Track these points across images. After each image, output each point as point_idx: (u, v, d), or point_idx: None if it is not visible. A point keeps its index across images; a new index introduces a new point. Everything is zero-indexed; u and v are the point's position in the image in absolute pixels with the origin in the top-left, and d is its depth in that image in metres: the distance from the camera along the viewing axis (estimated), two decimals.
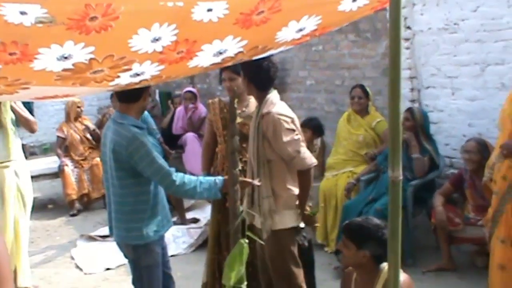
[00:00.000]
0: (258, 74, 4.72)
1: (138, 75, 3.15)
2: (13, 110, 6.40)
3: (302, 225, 4.89)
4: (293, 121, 4.77)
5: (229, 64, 3.76)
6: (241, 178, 4.34)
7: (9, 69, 2.61)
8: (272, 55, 4.53)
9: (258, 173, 4.70)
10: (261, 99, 4.81)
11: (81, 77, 2.91)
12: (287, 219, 4.78)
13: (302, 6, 2.94)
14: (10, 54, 2.45)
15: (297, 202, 4.82)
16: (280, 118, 4.68)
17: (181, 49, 2.90)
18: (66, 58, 2.60)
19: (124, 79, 3.20)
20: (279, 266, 4.84)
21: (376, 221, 4.08)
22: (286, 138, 4.66)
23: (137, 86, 3.67)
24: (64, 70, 2.74)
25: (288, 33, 3.17)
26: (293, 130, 4.73)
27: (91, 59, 2.66)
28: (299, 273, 4.89)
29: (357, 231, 3.98)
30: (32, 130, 6.83)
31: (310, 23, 3.13)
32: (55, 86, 3.08)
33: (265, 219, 4.69)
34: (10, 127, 6.33)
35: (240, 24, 2.80)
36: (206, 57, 3.15)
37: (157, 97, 11.62)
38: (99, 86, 3.21)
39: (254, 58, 3.81)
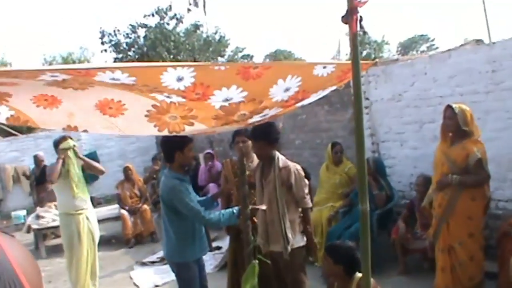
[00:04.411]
0: (271, 134, 4.80)
1: (168, 97, 3.12)
2: (81, 159, 6.75)
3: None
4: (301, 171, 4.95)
5: (236, 122, 3.71)
6: (252, 206, 4.48)
7: (78, 77, 2.66)
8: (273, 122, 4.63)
9: (279, 211, 4.74)
10: (270, 156, 4.87)
11: (128, 87, 2.89)
12: (300, 239, 4.86)
13: (287, 67, 3.06)
14: (78, 72, 2.56)
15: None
16: (298, 170, 4.86)
17: (198, 91, 2.92)
18: (115, 80, 2.63)
19: (159, 97, 3.15)
20: (295, 276, 4.87)
21: (349, 244, 4.16)
22: (303, 186, 4.84)
23: (170, 127, 3.63)
24: (115, 84, 2.75)
25: (278, 90, 3.16)
26: (305, 178, 4.92)
27: (133, 84, 2.72)
28: (307, 281, 4.96)
29: (334, 250, 4.07)
30: (101, 173, 7.06)
31: (293, 83, 3.12)
32: (113, 88, 2.98)
33: (289, 243, 4.74)
34: (83, 183, 6.60)
35: (241, 75, 2.84)
36: (217, 100, 3.17)
37: None
38: (143, 95, 3.12)
39: (255, 118, 3.70)
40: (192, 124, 3.66)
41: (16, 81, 2.63)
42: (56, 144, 6.72)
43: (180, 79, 2.71)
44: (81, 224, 6.59)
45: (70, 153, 6.57)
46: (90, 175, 7.08)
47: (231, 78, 2.89)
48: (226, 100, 3.17)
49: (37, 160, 11.40)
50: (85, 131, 3.62)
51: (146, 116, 3.49)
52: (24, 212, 12.34)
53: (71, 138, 6.75)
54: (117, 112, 3.40)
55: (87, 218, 6.67)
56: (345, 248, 4.05)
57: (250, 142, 5.30)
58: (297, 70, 3.07)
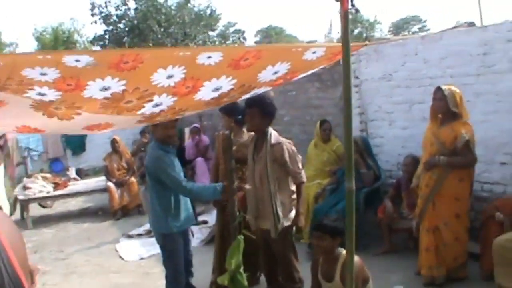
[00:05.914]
0: (264, 101, 4.72)
1: (157, 105, 3.17)
2: None
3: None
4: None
5: (225, 102, 3.70)
6: (238, 184, 4.48)
7: (67, 95, 2.69)
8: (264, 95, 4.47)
9: (269, 189, 4.69)
10: (264, 130, 4.82)
11: (118, 106, 2.97)
12: (290, 219, 4.82)
13: (276, 55, 3.02)
14: (68, 85, 2.56)
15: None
16: (291, 146, 4.82)
17: (188, 85, 2.96)
18: (106, 89, 2.69)
19: (148, 109, 3.21)
20: (285, 255, 4.87)
21: (336, 216, 4.21)
22: (297, 161, 4.81)
23: (158, 118, 3.66)
24: (105, 98, 2.80)
25: (266, 74, 3.18)
26: (297, 154, 4.87)
27: (123, 90, 2.74)
28: (294, 259, 4.96)
29: (330, 226, 4.04)
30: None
31: (282, 68, 3.15)
32: (99, 114, 3.12)
33: (279, 222, 4.69)
34: None
35: (231, 67, 2.87)
36: (207, 92, 3.17)
37: None
38: (130, 114, 3.22)
39: (244, 97, 3.77)
40: (183, 113, 3.71)
41: (3, 99, 2.64)
42: None
43: (170, 76, 2.77)
44: None
45: None
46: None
47: (221, 70, 2.92)
48: (216, 90, 3.20)
49: None
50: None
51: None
52: None
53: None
54: (107, 126, 3.59)
55: None
56: (338, 222, 4.05)
57: (227, 117, 5.42)
58: (287, 57, 3.07)
